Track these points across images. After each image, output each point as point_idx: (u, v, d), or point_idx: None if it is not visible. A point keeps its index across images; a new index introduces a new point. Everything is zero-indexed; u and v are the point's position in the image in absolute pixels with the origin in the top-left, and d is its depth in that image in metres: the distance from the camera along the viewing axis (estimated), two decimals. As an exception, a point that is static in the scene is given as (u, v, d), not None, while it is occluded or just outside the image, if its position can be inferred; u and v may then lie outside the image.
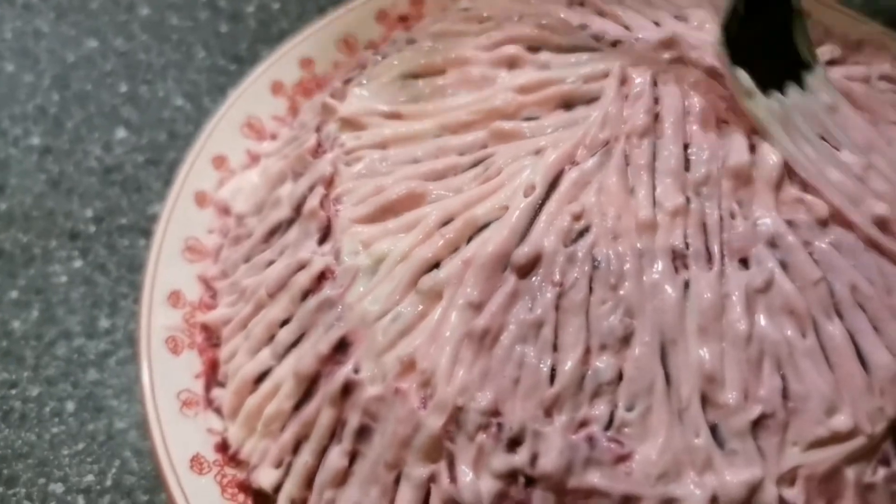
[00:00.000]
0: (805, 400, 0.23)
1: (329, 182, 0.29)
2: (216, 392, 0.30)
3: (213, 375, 0.31)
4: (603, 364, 0.24)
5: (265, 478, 0.27)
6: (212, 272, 0.34)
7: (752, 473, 0.22)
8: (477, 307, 0.25)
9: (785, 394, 0.23)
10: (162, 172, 0.43)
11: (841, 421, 0.23)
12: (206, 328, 0.32)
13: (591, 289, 0.25)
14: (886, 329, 0.24)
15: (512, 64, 0.30)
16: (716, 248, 0.25)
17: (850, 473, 0.23)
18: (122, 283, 0.39)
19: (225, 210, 0.35)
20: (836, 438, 0.23)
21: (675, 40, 0.29)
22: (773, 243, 0.25)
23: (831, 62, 0.31)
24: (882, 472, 0.23)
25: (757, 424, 0.23)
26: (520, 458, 0.23)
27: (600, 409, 0.23)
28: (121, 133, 0.45)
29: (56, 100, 0.47)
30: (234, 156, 0.37)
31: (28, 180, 0.43)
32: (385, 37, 0.42)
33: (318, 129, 0.32)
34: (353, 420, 0.26)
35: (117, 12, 0.51)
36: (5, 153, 0.44)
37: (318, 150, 0.31)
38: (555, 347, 0.24)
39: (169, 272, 0.33)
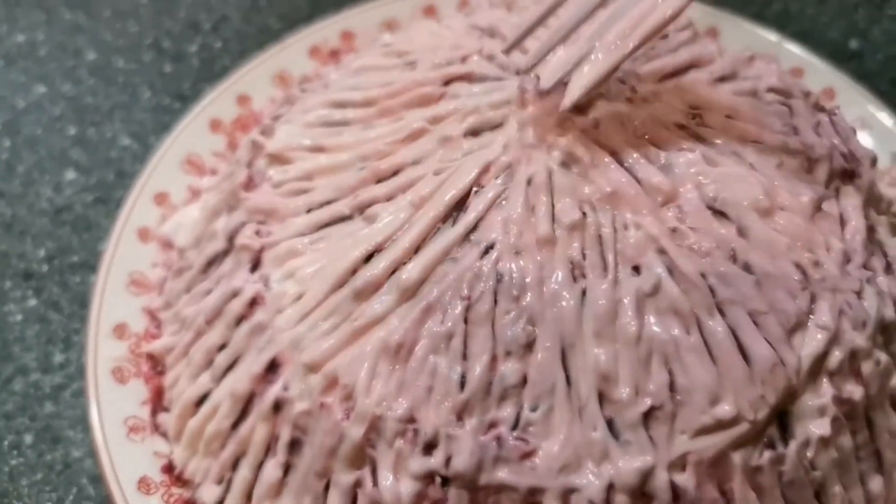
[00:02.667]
0: (690, 392, 0.25)
1: (261, 214, 0.31)
2: (162, 417, 0.32)
3: (158, 402, 0.33)
4: (508, 370, 0.26)
5: (208, 494, 0.29)
6: (156, 304, 0.35)
7: (643, 461, 0.24)
8: (392, 323, 0.27)
9: (672, 387, 0.25)
10: (111, 210, 0.45)
11: (724, 410, 0.25)
12: (151, 357, 0.34)
13: (496, 301, 0.27)
14: (765, 323, 0.26)
15: (425, 99, 0.32)
16: (610, 258, 0.27)
17: (737, 458, 0.25)
18: (74, 318, 0.41)
19: (168, 244, 0.37)
20: (721, 426, 0.25)
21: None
22: (661, 250, 0.27)
23: (721, 78, 0.34)
24: (767, 455, 0.26)
25: (648, 416, 0.25)
26: (435, 460, 0.25)
27: (507, 411, 0.26)
28: (70, 174, 0.47)
29: (7, 145, 0.48)
30: (175, 192, 0.39)
31: (-20, 224, 0.45)
32: (318, 71, 0.44)
33: (248, 165, 0.34)
34: (285, 434, 0.27)
35: (65, 58, 0.53)
36: (-41, 200, 0.46)
37: (249, 185, 0.33)
38: (464, 356, 0.26)
39: (114, 306, 0.35)
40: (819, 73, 0.42)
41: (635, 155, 0.29)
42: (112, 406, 0.32)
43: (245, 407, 0.29)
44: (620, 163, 0.29)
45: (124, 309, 0.35)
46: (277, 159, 0.33)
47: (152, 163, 0.39)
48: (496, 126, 0.31)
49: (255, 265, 0.30)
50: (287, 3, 0.55)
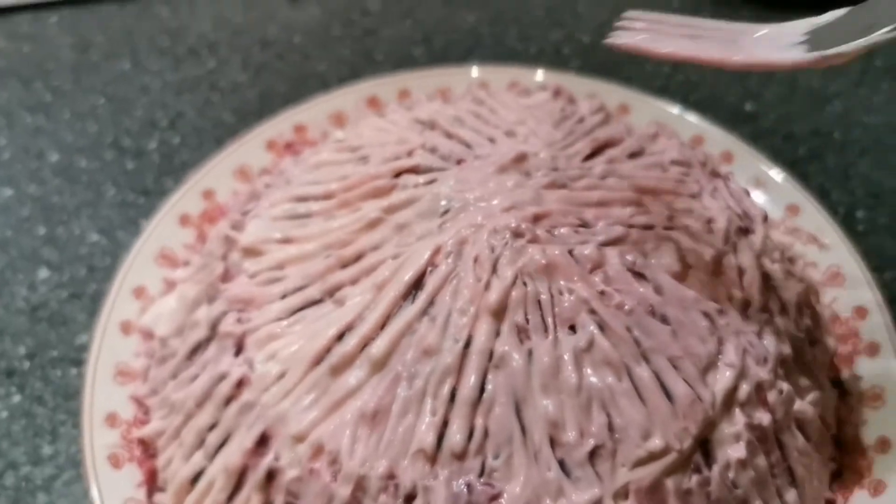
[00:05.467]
0: (626, 430, 0.30)
1: (240, 303, 0.35)
2: (158, 497, 0.35)
3: (153, 483, 0.36)
4: (471, 424, 0.30)
5: (209, 564, 0.32)
6: (142, 391, 0.38)
7: (592, 494, 0.29)
8: (366, 392, 0.31)
9: (611, 427, 0.30)
10: (85, 305, 0.48)
11: (655, 443, 0.29)
12: (142, 442, 0.37)
13: (456, 365, 0.31)
14: (682, 365, 0.31)
15: (379, 191, 0.36)
16: (550, 321, 0.32)
17: (670, 483, 0.30)
18: (59, 410, 0.43)
19: (149, 335, 0.40)
20: (654, 457, 0.29)
21: (525, 154, 0.37)
22: (591, 311, 0.32)
23: (632, 155, 0.39)
24: (695, 479, 0.30)
25: (593, 454, 0.29)
26: (415, 510, 0.29)
27: (474, 461, 0.30)
28: (43, 273, 0.49)
29: (-22, 248, 0.51)
30: (151, 284, 0.42)
31: (-42, 327, 0.47)
32: (275, 162, 0.49)
33: (223, 258, 0.37)
34: (279, 501, 0.31)
35: (28, 160, 0.56)
36: (-66, 304, 0.48)
37: (226, 276, 0.37)
38: (432, 414, 0.30)
39: (104, 396, 0.38)
40: (717, 139, 0.48)
41: (563, 230, 0.34)
42: (111, 490, 0.34)
43: (239, 480, 0.32)
44: (553, 236, 0.34)
45: (114, 398, 0.38)
46: (250, 252, 0.36)
47: (129, 259, 0.43)
48: (444, 212, 0.35)
49: (239, 349, 0.34)
50: (238, 99, 0.59)
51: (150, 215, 0.51)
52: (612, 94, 0.50)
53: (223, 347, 0.34)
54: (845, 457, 0.36)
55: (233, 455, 0.32)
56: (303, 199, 0.38)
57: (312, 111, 0.50)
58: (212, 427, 0.34)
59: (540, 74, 0.51)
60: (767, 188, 0.46)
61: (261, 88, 0.60)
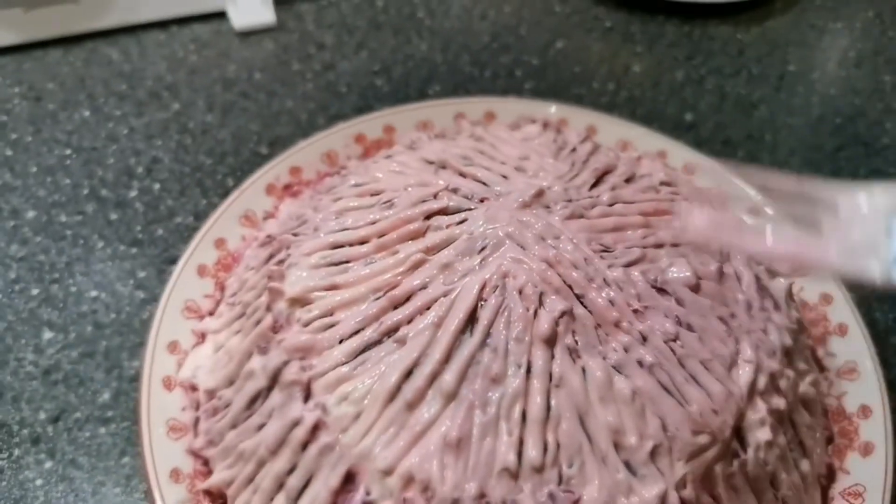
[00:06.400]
0: (677, 428, 0.34)
1: (299, 352, 0.37)
2: (237, 543, 0.37)
3: (228, 530, 0.37)
4: (545, 440, 0.34)
5: None
6: (198, 444, 0.40)
7: (659, 488, 0.33)
8: (445, 423, 0.34)
9: (664, 428, 0.34)
10: (100, 362, 0.48)
11: (704, 437, 0.34)
12: (209, 493, 0.38)
13: (523, 389, 0.34)
14: (713, 367, 0.36)
15: (414, 234, 0.39)
16: (596, 340, 0.36)
17: (718, 469, 0.34)
18: (97, 471, 0.43)
19: (192, 387, 0.42)
20: (704, 448, 0.34)
21: (543, 190, 0.40)
22: (631, 328, 0.36)
23: (627, 180, 0.44)
24: (736, 462, 0.35)
25: (653, 453, 0.34)
26: (507, 523, 0.32)
27: (552, 472, 0.33)
28: (47, 334, 0.49)
29: (-31, 316, 0.50)
30: (183, 338, 0.44)
31: (-32, 399, 0.46)
32: (276, 206, 0.50)
33: (268, 309, 0.39)
34: (374, 532, 0.33)
35: (3, 219, 0.55)
36: (-65, 379, 0.47)
37: (276, 327, 0.39)
38: (509, 435, 0.34)
39: (163, 453, 0.39)
40: (678, 153, 0.54)
41: (595, 259, 0.38)
42: (192, 543, 0.36)
43: (328, 518, 0.34)
44: (586, 263, 0.38)
45: (171, 454, 0.39)
46: (299, 301, 0.38)
47: (158, 314, 0.44)
48: (482, 249, 0.38)
49: (307, 395, 0.36)
50: (211, 140, 0.60)
51: (146, 266, 0.52)
52: (580, 116, 0.55)
53: (290, 395, 0.36)
54: (834, 425, 0.42)
55: (319, 495, 0.34)
56: (337, 245, 0.40)
57: (304, 153, 0.52)
58: (290, 471, 0.36)
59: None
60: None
61: (232, 129, 0.61)
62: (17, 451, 0.44)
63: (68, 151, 0.59)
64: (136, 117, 0.62)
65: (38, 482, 0.43)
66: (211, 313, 0.45)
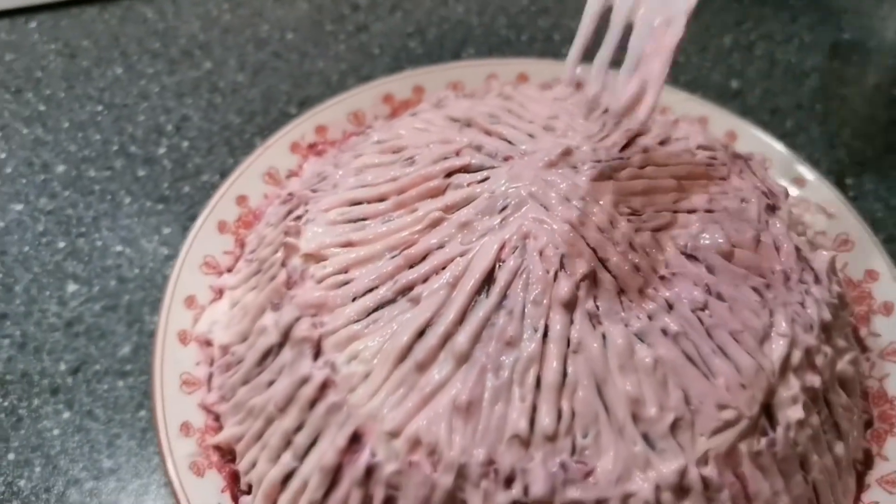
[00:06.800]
0: (701, 402, 0.32)
1: (311, 308, 0.36)
2: (244, 499, 0.36)
3: (235, 486, 0.37)
4: (559, 407, 0.32)
5: (311, 558, 0.33)
6: (210, 399, 0.39)
7: (678, 463, 0.31)
8: (455, 385, 0.33)
9: (687, 400, 0.32)
10: (122, 316, 0.48)
11: (729, 412, 0.32)
12: (218, 448, 0.38)
13: (538, 353, 0.33)
14: (743, 339, 0.34)
15: (433, 191, 0.38)
16: (618, 306, 0.34)
17: (743, 447, 0.32)
18: (112, 423, 0.43)
19: (206, 342, 0.41)
20: (728, 424, 0.32)
21: (570, 149, 0.39)
22: (656, 294, 0.34)
23: (661, 143, 0.42)
24: (763, 441, 0.33)
25: (674, 427, 0.32)
26: (515, 491, 0.31)
27: (565, 441, 0.32)
28: (71, 287, 0.49)
29: (-3, 266, 0.50)
30: (200, 293, 0.43)
31: (-8, 348, 0.46)
32: (300, 164, 0.49)
33: (283, 265, 0.38)
34: (379, 494, 0.32)
35: (33, 174, 0.55)
36: (-38, 327, 0.47)
37: (290, 283, 0.38)
38: (521, 400, 0.32)
39: (174, 407, 0.38)
40: (720, 119, 0.51)
41: (621, 221, 0.36)
42: (198, 499, 0.35)
43: (334, 477, 0.33)
44: (613, 227, 0.36)
45: (183, 408, 0.39)
46: (313, 258, 0.37)
47: (176, 269, 0.43)
48: (503, 208, 0.37)
49: (317, 353, 0.35)
50: (241, 100, 0.60)
51: (171, 222, 0.52)
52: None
53: (300, 352, 0.35)
54: (874, 409, 0.39)
55: (326, 454, 0.33)
56: (356, 202, 0.39)
57: (331, 111, 0.51)
58: (298, 429, 0.35)
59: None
60: (773, 163, 0.49)
61: (262, 88, 0.60)
62: (36, 401, 0.44)
63: (100, 108, 0.59)
64: (168, 75, 0.61)
65: (56, 432, 0.43)
66: (229, 270, 0.44)
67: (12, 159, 0.56)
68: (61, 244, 0.51)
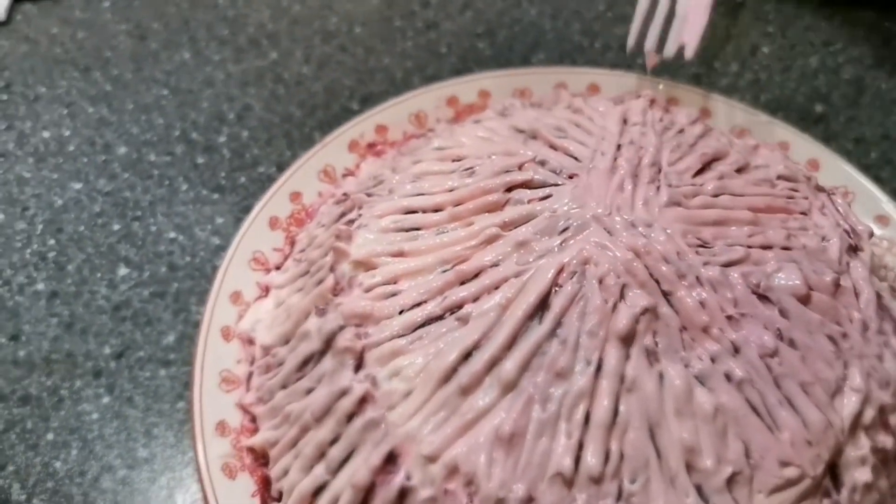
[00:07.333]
0: (762, 457, 0.30)
1: (357, 318, 0.35)
2: (273, 507, 0.35)
3: (266, 492, 0.36)
4: (607, 448, 0.30)
5: (336, 575, 0.32)
6: (248, 399, 0.38)
7: (732, 520, 0.29)
8: (499, 414, 0.31)
9: (747, 454, 0.30)
10: (169, 304, 0.47)
11: (791, 470, 0.30)
12: (252, 450, 0.37)
13: (589, 388, 0.31)
14: (813, 391, 0.31)
15: (492, 206, 0.36)
16: (679, 345, 0.32)
17: (803, 508, 0.30)
18: (150, 412, 0.43)
19: (249, 341, 0.40)
20: (790, 483, 0.30)
21: (640, 172, 0.37)
22: (722, 336, 0.32)
23: (739, 170, 0.39)
24: (826, 503, 0.31)
25: (730, 481, 0.30)
26: (554, 533, 0.29)
27: (611, 485, 0.30)
28: (122, 270, 0.49)
29: (52, 244, 0.50)
30: (246, 290, 0.42)
31: (41, 326, 0.47)
32: (357, 163, 0.48)
33: (332, 269, 0.37)
34: (411, 519, 0.31)
35: (95, 153, 0.55)
36: (13, 301, 0.48)
37: (336, 288, 0.36)
38: (568, 437, 0.30)
39: (212, 405, 0.38)
40: (802, 146, 0.48)
41: (688, 254, 0.34)
42: (228, 501, 0.35)
43: (366, 496, 0.32)
44: (679, 259, 0.34)
45: (221, 406, 0.38)
46: (363, 265, 0.36)
47: (224, 263, 0.42)
48: (564, 229, 0.35)
49: (359, 365, 0.34)
50: (304, 92, 0.59)
51: (224, 213, 0.51)
52: (694, 96, 0.50)
53: (341, 362, 0.34)
54: (950, 475, 0.36)
55: (359, 471, 0.32)
56: (410, 210, 0.38)
57: (392, 111, 0.50)
58: (333, 441, 0.34)
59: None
60: (855, 197, 0.46)
61: (325, 82, 0.60)
62: (78, 383, 0.44)
63: (165, 92, 0.59)
64: (234, 63, 0.61)
65: (94, 416, 0.43)
66: (278, 267, 0.44)
67: (76, 137, 0.56)
68: (116, 226, 0.51)
